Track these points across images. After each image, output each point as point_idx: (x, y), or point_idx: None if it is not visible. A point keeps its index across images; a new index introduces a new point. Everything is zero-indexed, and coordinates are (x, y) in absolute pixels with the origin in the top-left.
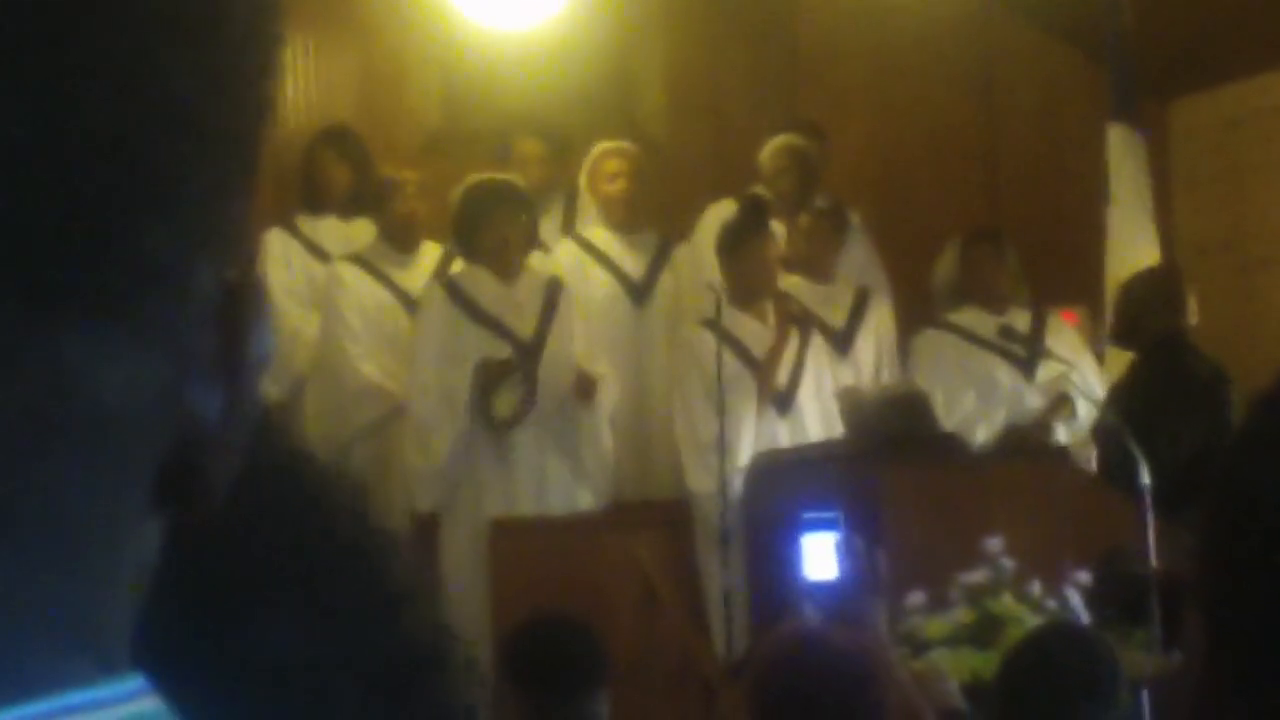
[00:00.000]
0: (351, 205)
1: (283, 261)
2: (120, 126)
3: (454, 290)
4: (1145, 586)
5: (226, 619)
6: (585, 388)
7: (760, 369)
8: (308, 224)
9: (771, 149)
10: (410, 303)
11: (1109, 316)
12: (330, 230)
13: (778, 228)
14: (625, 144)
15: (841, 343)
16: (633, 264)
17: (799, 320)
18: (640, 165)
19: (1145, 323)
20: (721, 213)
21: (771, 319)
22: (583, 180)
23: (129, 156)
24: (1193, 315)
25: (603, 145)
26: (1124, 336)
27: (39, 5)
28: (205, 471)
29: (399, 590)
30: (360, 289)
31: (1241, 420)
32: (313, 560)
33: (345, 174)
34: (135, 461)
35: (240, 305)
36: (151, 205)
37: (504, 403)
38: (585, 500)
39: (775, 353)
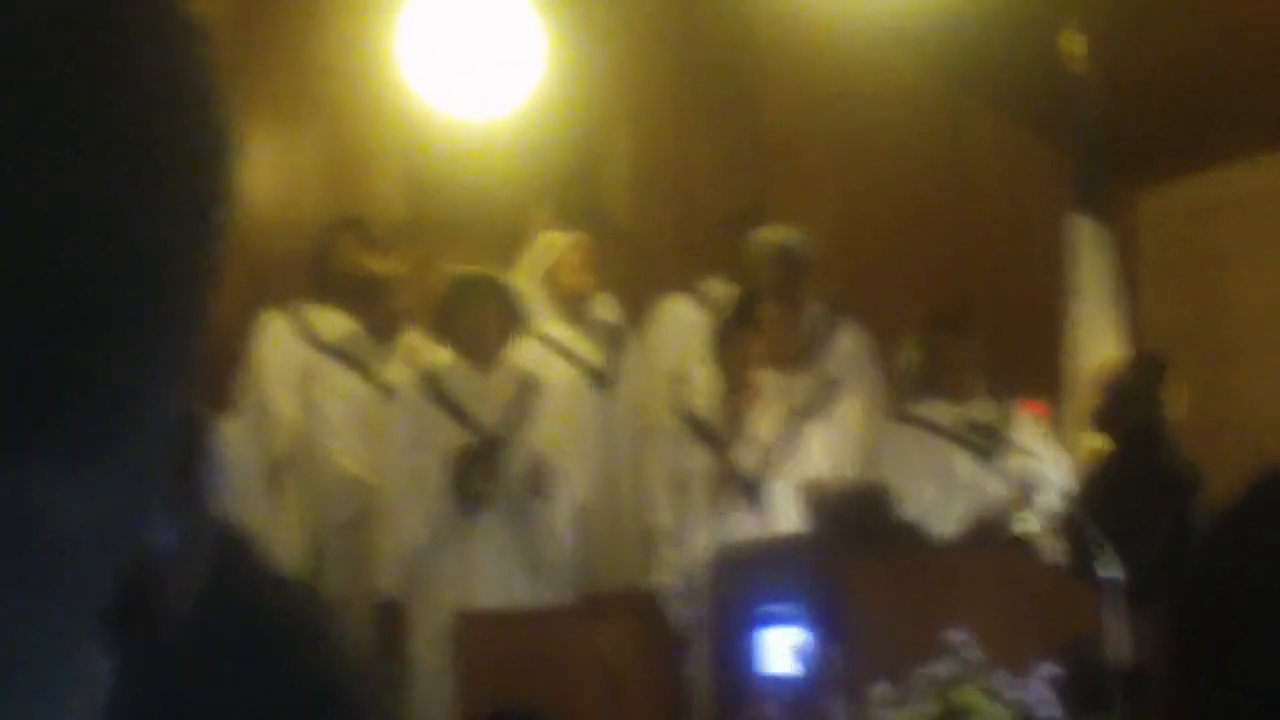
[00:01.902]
0: (355, 296)
1: (277, 345)
2: (77, 261)
3: (427, 379)
4: (1110, 677)
5: None
6: (538, 479)
7: (727, 461)
8: (310, 311)
9: (753, 243)
10: (391, 395)
11: (1070, 408)
12: (331, 320)
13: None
14: (587, 236)
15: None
16: (592, 354)
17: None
18: (599, 257)
19: (1125, 410)
20: (675, 308)
21: (752, 411)
22: (536, 270)
23: (86, 292)
24: (1178, 409)
25: (567, 238)
26: (1103, 422)
27: None
28: (157, 603)
29: None
30: (339, 382)
31: (1212, 517)
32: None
33: (364, 261)
34: (89, 594)
35: (194, 438)
36: (110, 338)
37: (472, 485)
38: (543, 596)
39: (731, 447)
